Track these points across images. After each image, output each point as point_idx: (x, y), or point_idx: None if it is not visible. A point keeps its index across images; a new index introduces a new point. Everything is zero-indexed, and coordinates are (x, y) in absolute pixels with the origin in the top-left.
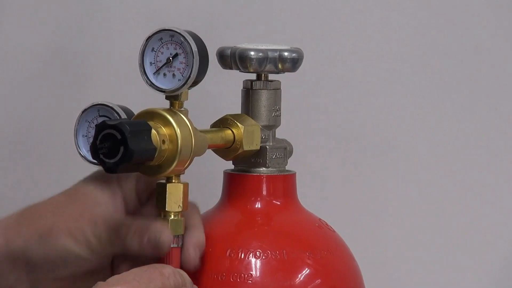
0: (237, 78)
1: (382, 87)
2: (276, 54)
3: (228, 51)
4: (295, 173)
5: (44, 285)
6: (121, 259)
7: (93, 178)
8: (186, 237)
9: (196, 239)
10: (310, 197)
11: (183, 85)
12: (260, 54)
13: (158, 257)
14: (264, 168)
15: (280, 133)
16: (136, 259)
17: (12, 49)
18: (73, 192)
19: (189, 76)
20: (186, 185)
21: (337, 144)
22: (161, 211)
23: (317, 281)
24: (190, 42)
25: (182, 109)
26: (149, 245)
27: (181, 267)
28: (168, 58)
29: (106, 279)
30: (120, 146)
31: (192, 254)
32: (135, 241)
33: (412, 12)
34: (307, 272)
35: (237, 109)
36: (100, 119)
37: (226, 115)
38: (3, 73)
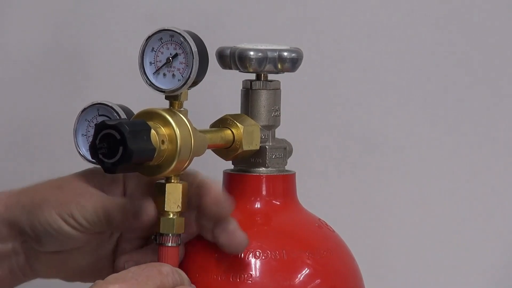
0: (236, 78)
1: (382, 87)
2: (276, 54)
3: (228, 51)
4: (295, 173)
5: (37, 259)
6: (123, 253)
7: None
8: (229, 225)
9: (236, 223)
10: (309, 197)
11: (183, 85)
12: (260, 54)
13: (158, 245)
14: (263, 168)
15: (279, 133)
16: (135, 254)
17: (12, 48)
18: (76, 174)
19: (189, 76)
20: (185, 185)
21: (337, 144)
22: (159, 211)
23: (316, 281)
24: (190, 42)
25: (182, 109)
26: (130, 214)
27: (229, 252)
28: (168, 58)
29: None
30: (119, 146)
31: (242, 234)
32: (119, 214)
33: (413, 12)
34: (306, 272)
35: (236, 109)
36: (100, 119)
37: (226, 115)
38: (3, 72)
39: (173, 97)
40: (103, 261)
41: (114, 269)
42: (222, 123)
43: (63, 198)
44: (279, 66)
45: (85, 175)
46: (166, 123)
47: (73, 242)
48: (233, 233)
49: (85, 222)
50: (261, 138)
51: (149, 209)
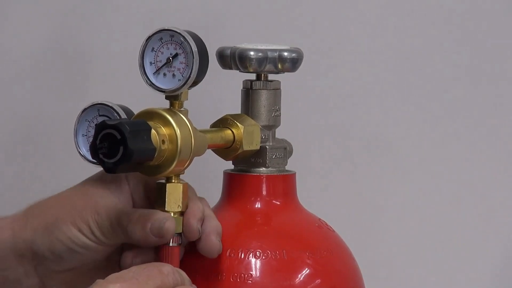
0: (237, 78)
1: (382, 87)
2: (276, 54)
3: (228, 51)
4: (295, 173)
5: (52, 278)
6: (128, 249)
7: (101, 174)
8: (206, 227)
9: (215, 226)
10: (310, 197)
11: (183, 85)
12: (260, 54)
13: (160, 245)
14: (264, 168)
15: (280, 133)
16: (141, 250)
17: (13, 48)
18: (79, 187)
19: (189, 76)
20: (185, 185)
21: (337, 144)
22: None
23: (316, 281)
24: (190, 42)
25: (182, 109)
26: (152, 232)
27: (203, 255)
28: (168, 58)
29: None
30: (120, 146)
31: (215, 241)
32: (138, 229)
33: (413, 12)
34: (307, 272)
35: (237, 109)
36: (100, 119)
37: (226, 115)
38: (3, 72)
39: (173, 97)
40: (112, 264)
41: (120, 266)
42: (222, 123)
43: (78, 213)
44: (279, 66)
45: (91, 185)
46: (167, 123)
47: (93, 255)
48: (208, 237)
49: (103, 237)
50: (262, 138)
51: (172, 229)
